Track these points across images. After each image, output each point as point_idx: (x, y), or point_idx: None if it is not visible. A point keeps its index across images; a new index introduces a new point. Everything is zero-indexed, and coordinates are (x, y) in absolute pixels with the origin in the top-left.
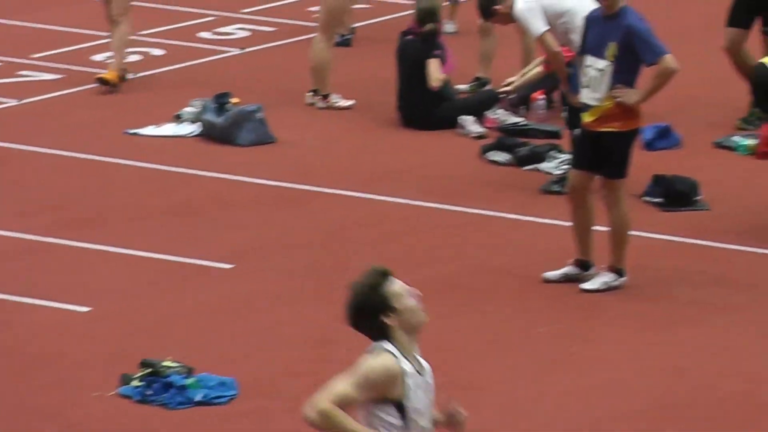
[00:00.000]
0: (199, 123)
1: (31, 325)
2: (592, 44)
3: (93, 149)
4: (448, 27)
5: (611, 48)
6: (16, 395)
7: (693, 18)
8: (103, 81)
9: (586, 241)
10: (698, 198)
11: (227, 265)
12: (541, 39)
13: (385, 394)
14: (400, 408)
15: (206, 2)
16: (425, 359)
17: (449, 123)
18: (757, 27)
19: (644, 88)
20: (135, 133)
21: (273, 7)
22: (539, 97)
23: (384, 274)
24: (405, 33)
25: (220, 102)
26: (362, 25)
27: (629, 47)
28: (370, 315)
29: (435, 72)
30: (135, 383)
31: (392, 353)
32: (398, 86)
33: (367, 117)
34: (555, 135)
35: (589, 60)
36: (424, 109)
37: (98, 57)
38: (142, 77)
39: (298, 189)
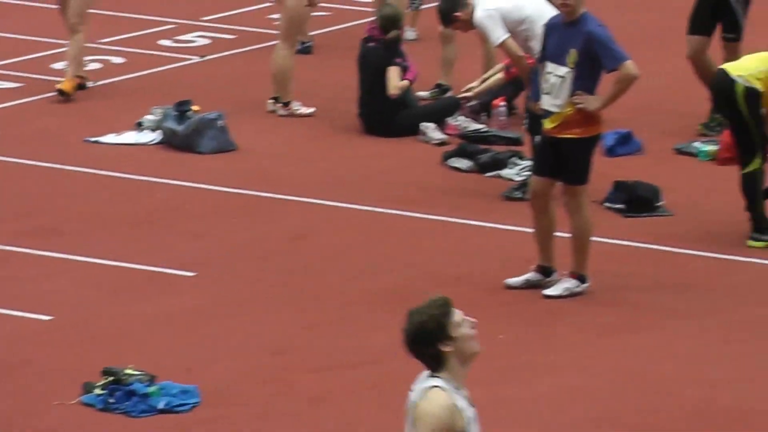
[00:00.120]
0: (160, 131)
1: None
2: (552, 51)
3: (54, 158)
4: (409, 34)
5: (572, 55)
6: None
7: (653, 24)
8: (61, 92)
9: (547, 247)
10: (660, 204)
11: (189, 273)
12: (503, 46)
13: (457, 428)
14: None
15: (167, 10)
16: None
17: (410, 130)
18: (718, 33)
19: (605, 94)
20: (96, 141)
21: (233, 14)
22: (500, 103)
23: (445, 304)
24: (366, 40)
25: (181, 110)
26: (322, 33)
27: (590, 54)
28: (429, 343)
29: (394, 80)
30: (97, 391)
31: (440, 388)
32: (359, 93)
33: (328, 124)
34: (516, 141)
35: (550, 67)
36: (386, 116)
37: (58, 65)
38: (103, 85)
39: (259, 196)
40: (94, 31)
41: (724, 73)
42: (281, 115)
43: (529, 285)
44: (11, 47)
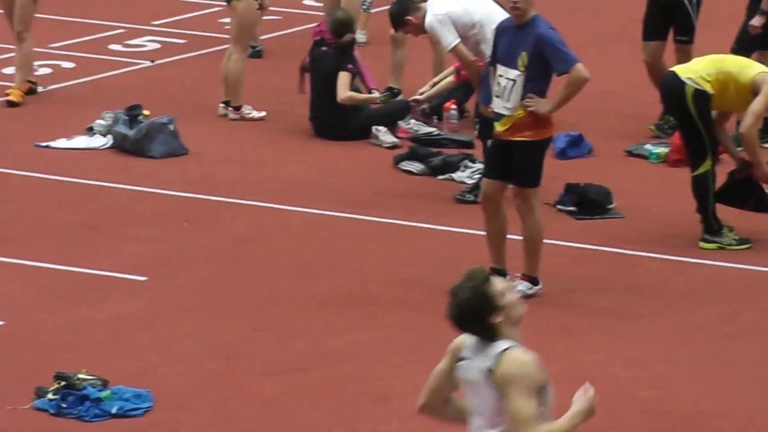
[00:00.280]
0: (110, 135)
1: None
2: (503, 54)
3: (3, 162)
4: (360, 37)
5: (522, 57)
6: None
7: (604, 27)
8: (10, 103)
9: (499, 249)
10: (611, 206)
11: (140, 277)
12: (454, 51)
13: (543, 382)
14: (543, 392)
15: (116, 14)
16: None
17: (362, 133)
18: (671, 36)
19: (556, 97)
20: (47, 146)
21: (183, 19)
22: (451, 107)
23: (485, 276)
24: (318, 43)
25: (132, 114)
26: (272, 37)
27: (540, 56)
28: (480, 318)
29: (343, 86)
30: (50, 396)
31: (515, 346)
32: (311, 97)
33: (279, 128)
34: (467, 144)
35: (501, 70)
36: (337, 119)
37: (8, 70)
38: (53, 90)
39: (210, 200)
40: (44, 35)
41: (674, 75)
42: (232, 119)
43: None
44: None
